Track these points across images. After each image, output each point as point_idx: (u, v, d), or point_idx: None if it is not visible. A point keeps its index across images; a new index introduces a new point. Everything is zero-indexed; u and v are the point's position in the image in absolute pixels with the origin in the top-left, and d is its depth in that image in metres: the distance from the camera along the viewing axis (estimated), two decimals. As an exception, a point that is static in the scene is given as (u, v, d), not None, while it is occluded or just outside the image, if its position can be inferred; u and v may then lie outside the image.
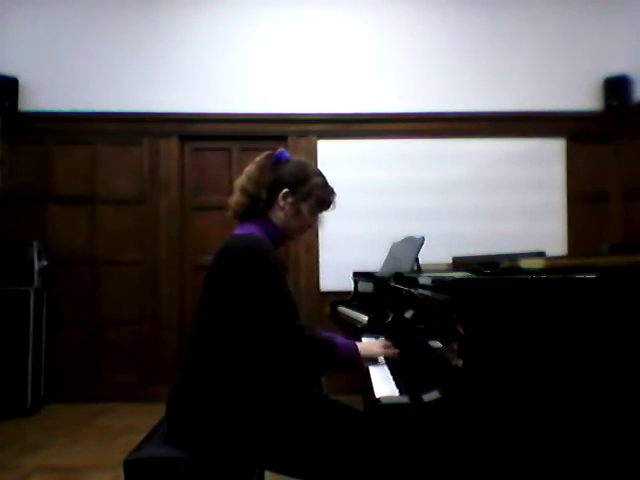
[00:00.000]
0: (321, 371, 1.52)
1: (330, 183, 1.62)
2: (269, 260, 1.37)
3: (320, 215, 1.63)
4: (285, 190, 1.51)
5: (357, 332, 2.02)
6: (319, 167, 1.63)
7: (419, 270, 2.50)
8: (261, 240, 1.42)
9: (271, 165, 1.54)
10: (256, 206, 1.51)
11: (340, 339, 1.43)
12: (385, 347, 1.51)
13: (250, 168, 1.55)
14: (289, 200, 1.52)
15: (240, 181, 1.55)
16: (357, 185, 4.03)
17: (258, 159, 1.57)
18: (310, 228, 1.61)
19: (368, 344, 1.54)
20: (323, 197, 1.57)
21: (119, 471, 1.36)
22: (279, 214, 1.53)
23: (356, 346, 1.43)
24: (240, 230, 1.50)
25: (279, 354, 1.33)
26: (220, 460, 1.33)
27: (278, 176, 1.52)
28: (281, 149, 1.60)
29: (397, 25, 4.16)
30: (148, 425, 1.57)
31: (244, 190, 1.52)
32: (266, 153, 1.58)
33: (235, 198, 1.54)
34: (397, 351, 1.51)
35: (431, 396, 1.09)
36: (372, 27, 4.17)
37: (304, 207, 1.54)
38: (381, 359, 1.49)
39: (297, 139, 4.06)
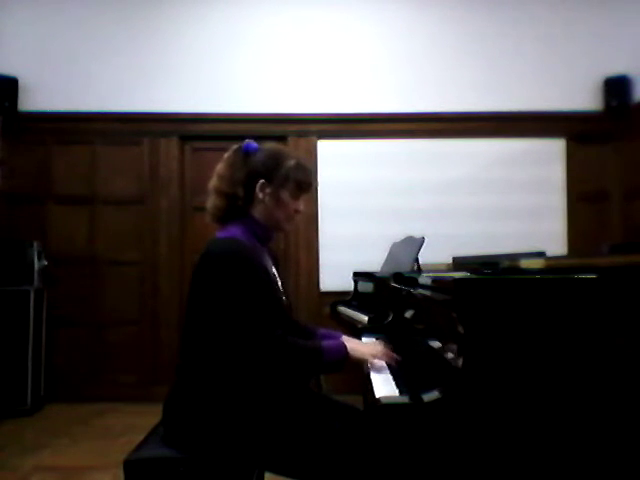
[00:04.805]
0: (309, 376, 1.50)
1: (303, 161, 1.53)
2: (247, 266, 1.33)
3: (304, 197, 1.54)
4: (261, 181, 1.45)
5: (357, 332, 2.02)
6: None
7: (419, 270, 2.50)
8: (241, 243, 1.37)
9: (241, 159, 1.47)
10: (235, 205, 1.45)
11: (327, 343, 1.40)
12: (378, 349, 1.48)
13: (220, 167, 1.50)
14: (267, 190, 1.46)
15: (212, 183, 1.49)
16: (357, 185, 4.03)
17: (226, 156, 1.50)
18: (297, 214, 1.53)
19: (360, 345, 1.51)
20: (301, 178, 1.50)
21: (119, 471, 1.36)
22: (261, 208, 1.47)
23: (345, 348, 1.38)
24: (222, 232, 1.45)
25: (262, 362, 1.30)
26: (219, 461, 1.33)
27: (250, 169, 1.45)
28: (248, 140, 1.52)
29: (397, 25, 4.16)
30: (148, 425, 1.57)
31: (219, 191, 1.46)
32: (233, 148, 1.51)
33: (212, 202, 1.48)
34: (390, 354, 1.47)
35: (431, 396, 1.09)
36: (372, 27, 4.17)
37: (284, 193, 1.47)
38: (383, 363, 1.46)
39: (297, 139, 4.06)
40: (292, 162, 1.49)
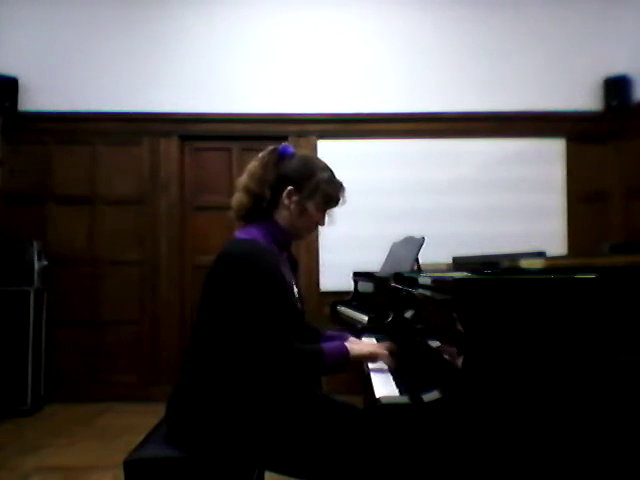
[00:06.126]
0: (312, 379, 1.50)
1: (338, 177, 1.52)
2: (264, 269, 1.32)
3: (330, 212, 1.53)
4: (289, 188, 1.43)
5: (357, 332, 2.02)
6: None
7: (419, 270, 2.50)
8: (260, 247, 1.36)
9: (275, 162, 1.46)
10: (260, 206, 1.43)
11: (328, 345, 1.41)
12: (379, 347, 1.48)
13: (253, 165, 1.48)
14: (294, 198, 1.44)
15: (242, 180, 1.47)
16: (357, 185, 3.95)
17: (261, 155, 1.49)
18: (320, 226, 1.52)
19: (360, 344, 1.51)
20: (330, 193, 1.48)
21: (119, 471, 1.36)
22: (284, 213, 1.45)
23: (346, 348, 1.39)
24: (241, 233, 1.44)
25: (266, 367, 1.30)
26: (220, 460, 1.33)
27: (282, 173, 1.44)
28: (285, 143, 1.52)
29: (397, 25, 4.16)
30: (148, 425, 1.57)
31: (247, 189, 1.44)
32: (269, 148, 1.50)
33: (237, 198, 1.46)
34: (387, 353, 1.46)
35: (431, 396, 1.09)
36: (372, 27, 4.17)
37: (310, 205, 1.45)
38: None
39: (297, 139, 4.06)
40: (325, 175, 1.48)
